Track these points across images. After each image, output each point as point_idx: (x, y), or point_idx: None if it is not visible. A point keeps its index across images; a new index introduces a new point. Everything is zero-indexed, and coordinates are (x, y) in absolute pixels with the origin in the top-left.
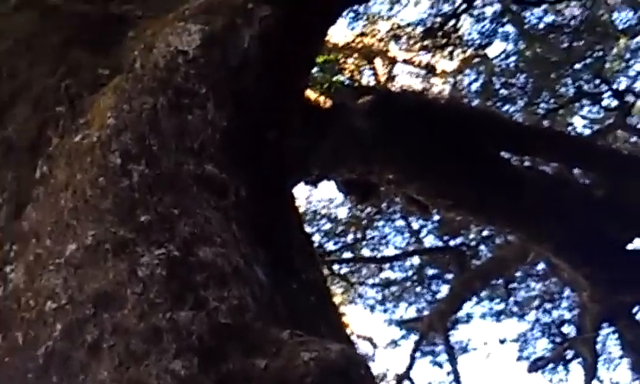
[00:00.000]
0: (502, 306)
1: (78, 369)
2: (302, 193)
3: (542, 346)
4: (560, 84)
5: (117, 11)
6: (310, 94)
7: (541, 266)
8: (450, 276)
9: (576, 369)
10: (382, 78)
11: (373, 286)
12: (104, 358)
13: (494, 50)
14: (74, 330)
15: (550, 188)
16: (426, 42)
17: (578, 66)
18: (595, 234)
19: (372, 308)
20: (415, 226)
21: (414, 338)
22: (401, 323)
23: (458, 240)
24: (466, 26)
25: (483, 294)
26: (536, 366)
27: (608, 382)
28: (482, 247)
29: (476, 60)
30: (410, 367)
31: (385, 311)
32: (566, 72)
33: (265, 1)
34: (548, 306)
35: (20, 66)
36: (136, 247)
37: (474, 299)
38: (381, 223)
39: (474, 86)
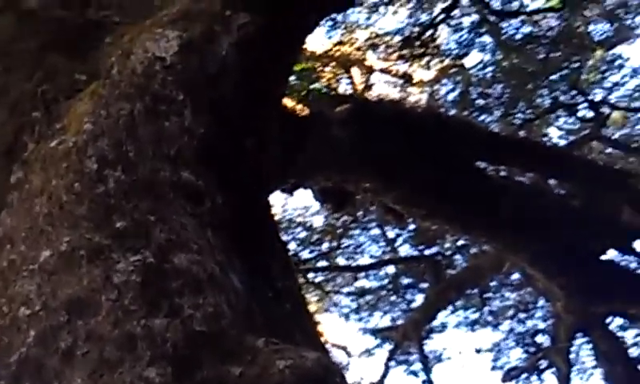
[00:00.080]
0: (476, 316)
1: (52, 376)
2: (277, 201)
3: (516, 356)
4: (536, 95)
5: (94, 17)
6: (288, 102)
7: (516, 276)
8: (425, 285)
9: (550, 379)
10: (360, 87)
11: (348, 294)
12: (78, 364)
13: (471, 60)
14: (48, 336)
15: (526, 198)
16: (403, 51)
17: (554, 76)
18: (570, 245)
19: (347, 316)
20: (391, 234)
21: (388, 346)
22: (375, 332)
23: (434, 249)
24: (444, 36)
25: (458, 303)
26: (510, 375)
27: None
28: (458, 257)
29: (453, 70)
30: (384, 376)
31: (359, 320)
32: (543, 83)
33: (243, 8)
34: (522, 315)
35: None
36: (111, 253)
37: (449, 308)
38: (356, 232)
39: (451, 96)
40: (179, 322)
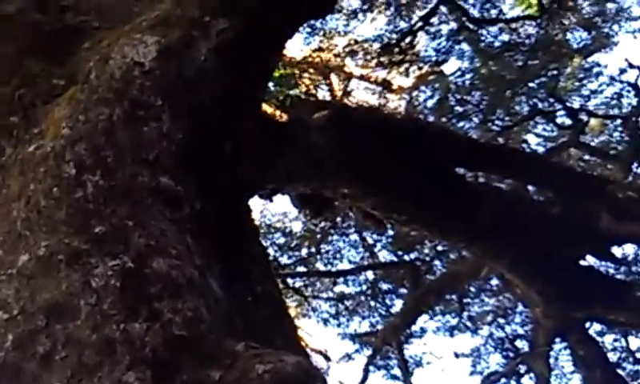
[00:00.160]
0: (455, 321)
1: (30, 380)
2: (256, 206)
3: (495, 361)
4: (515, 102)
5: (72, 22)
6: (267, 108)
7: (494, 282)
8: (404, 290)
9: None
10: (338, 94)
11: (327, 299)
12: (56, 369)
13: (450, 67)
14: (26, 340)
15: (505, 204)
16: (382, 58)
17: (532, 84)
18: (549, 251)
19: (326, 321)
20: (370, 240)
21: (367, 352)
22: (354, 337)
23: (413, 255)
24: (423, 43)
25: (437, 308)
26: (489, 380)
27: None
28: (437, 262)
29: (432, 77)
30: (363, 381)
31: (338, 325)
32: (521, 90)
33: (222, 14)
34: (501, 321)
35: None
36: (90, 258)
37: (428, 314)
38: (335, 237)
39: (430, 103)
40: (158, 327)
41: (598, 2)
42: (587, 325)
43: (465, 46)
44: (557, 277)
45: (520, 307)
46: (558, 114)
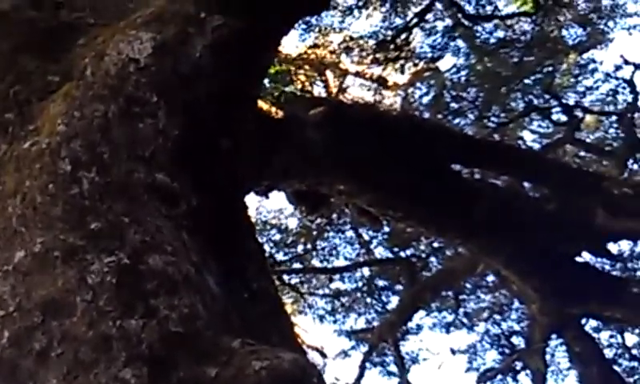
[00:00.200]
0: (451, 318)
1: (26, 376)
2: (252, 202)
3: (491, 357)
4: (510, 98)
5: (67, 19)
6: (262, 104)
7: (490, 278)
8: (400, 287)
9: (525, 380)
10: (334, 90)
11: (323, 296)
12: (52, 365)
13: (446, 63)
14: (22, 337)
15: (501, 201)
16: (377, 55)
17: (528, 80)
18: (545, 247)
19: (322, 318)
20: (365, 237)
21: (363, 348)
22: (351, 334)
23: (409, 251)
24: (418, 40)
25: (433, 305)
26: (485, 377)
27: None
28: (432, 259)
29: (427, 73)
30: (359, 378)
31: (335, 322)
32: (517, 86)
33: (218, 11)
34: (497, 317)
35: None
36: (86, 254)
37: (424, 310)
38: (331, 234)
39: (425, 99)
40: (155, 323)
41: None
42: (583, 321)
43: (460, 43)
44: (553, 273)
45: (516, 304)
46: (554, 110)
